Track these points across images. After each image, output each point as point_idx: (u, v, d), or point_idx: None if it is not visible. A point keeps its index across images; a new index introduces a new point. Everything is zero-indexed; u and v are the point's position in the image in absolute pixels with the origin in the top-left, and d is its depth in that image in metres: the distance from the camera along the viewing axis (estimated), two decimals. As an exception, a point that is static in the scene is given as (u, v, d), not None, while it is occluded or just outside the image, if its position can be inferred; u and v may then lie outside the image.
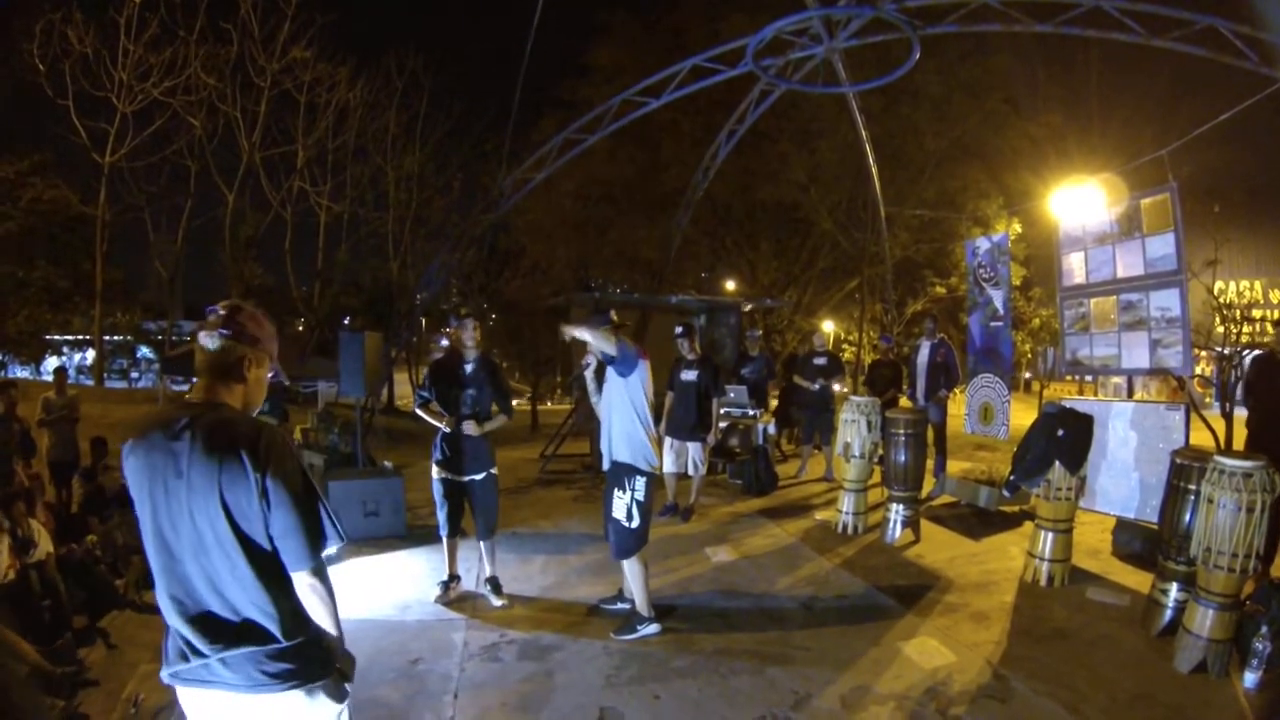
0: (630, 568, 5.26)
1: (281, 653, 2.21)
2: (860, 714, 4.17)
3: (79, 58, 26.30)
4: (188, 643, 2.21)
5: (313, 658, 2.27)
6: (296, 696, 2.24)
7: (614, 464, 5.23)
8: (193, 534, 2.16)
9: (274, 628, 2.20)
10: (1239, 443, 6.48)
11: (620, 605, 5.66)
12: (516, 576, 6.38)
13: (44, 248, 28.22)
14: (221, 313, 2.38)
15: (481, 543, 5.89)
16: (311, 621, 2.28)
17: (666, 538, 7.67)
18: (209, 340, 2.32)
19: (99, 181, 27.80)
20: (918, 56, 9.60)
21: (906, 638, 5.17)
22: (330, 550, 2.25)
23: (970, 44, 19.92)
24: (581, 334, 5.13)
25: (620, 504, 5.15)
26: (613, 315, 5.22)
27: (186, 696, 2.28)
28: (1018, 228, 20.43)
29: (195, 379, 2.38)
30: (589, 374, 5.48)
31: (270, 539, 2.18)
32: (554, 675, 4.64)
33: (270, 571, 2.20)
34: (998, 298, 10.01)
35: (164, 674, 2.28)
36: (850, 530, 7.70)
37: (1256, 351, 7.09)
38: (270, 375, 2.49)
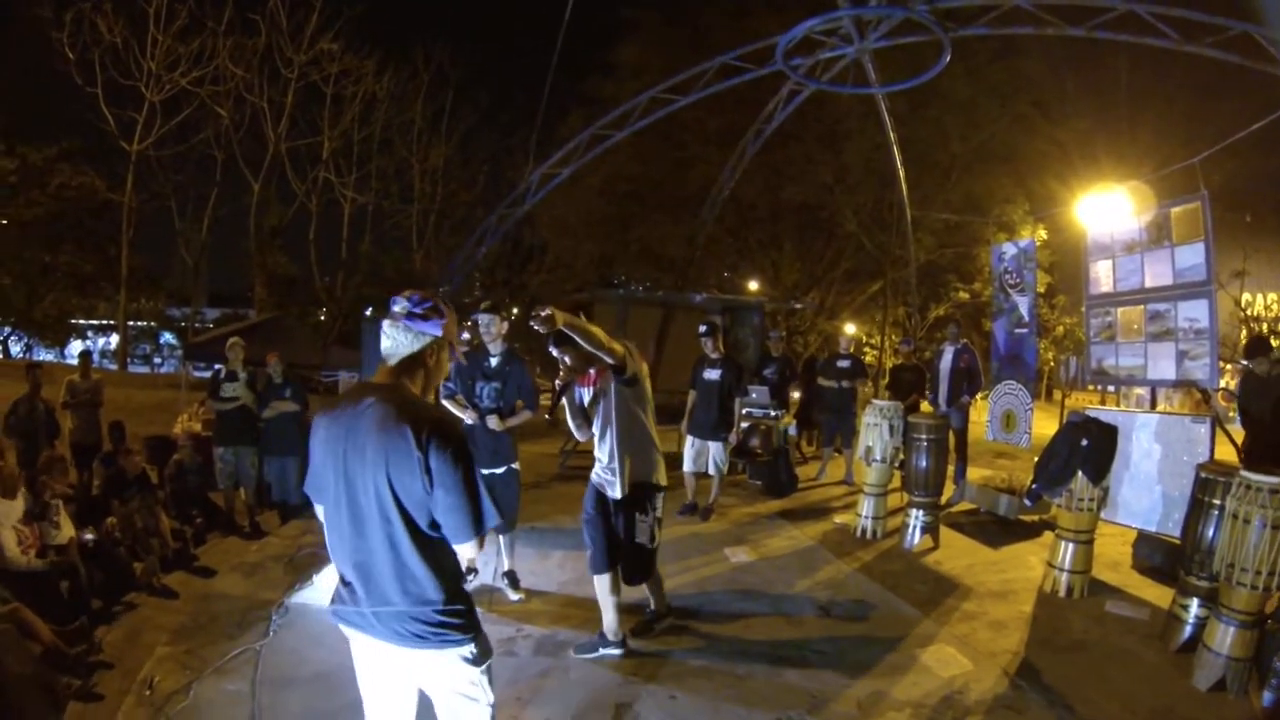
0: (650, 584, 5.10)
1: (429, 614, 2.46)
2: (876, 720, 4.16)
3: (108, 47, 26.55)
4: (349, 588, 2.55)
5: (456, 622, 2.51)
6: (438, 655, 2.52)
7: (635, 485, 4.72)
8: (365, 500, 2.44)
9: (422, 592, 2.46)
10: (1263, 458, 6.42)
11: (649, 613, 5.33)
12: (534, 571, 6.39)
13: (71, 233, 28.50)
14: (418, 310, 2.58)
15: (500, 536, 5.90)
16: (461, 590, 2.57)
17: (685, 537, 7.67)
18: (406, 337, 2.58)
19: (126, 169, 28.10)
20: (948, 58, 9.54)
21: (924, 644, 5.15)
22: (490, 527, 2.50)
23: (999, 47, 19.76)
24: (581, 339, 4.30)
25: (644, 527, 4.74)
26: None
27: (345, 630, 2.61)
28: (1043, 234, 20.30)
29: (380, 362, 2.65)
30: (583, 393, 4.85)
31: (431, 514, 2.43)
32: (570, 671, 4.65)
33: (426, 542, 2.45)
34: (1023, 304, 9.94)
35: (329, 609, 2.64)
36: (869, 535, 7.68)
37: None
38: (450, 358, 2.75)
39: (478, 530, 2.44)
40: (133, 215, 28.54)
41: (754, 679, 4.59)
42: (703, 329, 8.36)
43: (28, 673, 4.16)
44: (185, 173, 30.82)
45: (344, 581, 2.58)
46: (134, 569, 6.13)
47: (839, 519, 8.48)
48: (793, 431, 10.87)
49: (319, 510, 2.64)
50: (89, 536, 6.08)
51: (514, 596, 5.80)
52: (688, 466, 8.44)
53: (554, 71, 11.13)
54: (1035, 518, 8.07)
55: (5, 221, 27.02)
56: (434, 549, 2.47)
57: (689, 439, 8.40)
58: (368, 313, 25.01)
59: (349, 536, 2.50)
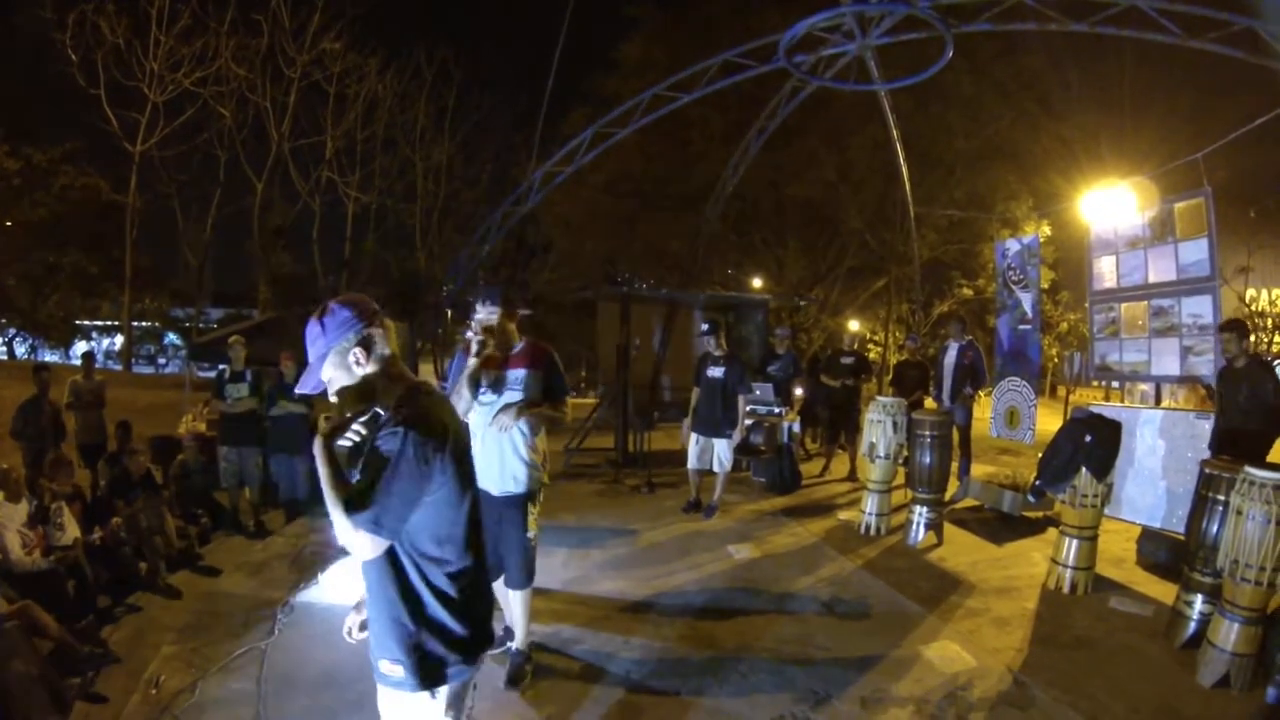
0: (528, 596, 4.66)
1: None
2: (879, 716, 4.16)
3: (111, 48, 26.61)
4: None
5: None
6: None
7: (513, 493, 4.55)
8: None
9: None
10: (1274, 454, 6.38)
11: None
12: (537, 569, 6.38)
13: (75, 234, 28.61)
14: None
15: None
16: None
17: (690, 534, 7.69)
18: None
19: (130, 170, 28.16)
20: (950, 55, 9.53)
21: (927, 641, 5.15)
22: None
23: (1002, 44, 19.76)
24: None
25: (533, 518, 4.63)
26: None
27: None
28: (1047, 230, 20.28)
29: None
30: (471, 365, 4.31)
31: None
32: (573, 668, 4.66)
33: None
34: (1027, 300, 9.92)
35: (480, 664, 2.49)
36: (873, 531, 7.68)
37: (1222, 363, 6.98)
38: None
39: None
40: (136, 216, 28.61)
41: (757, 675, 4.60)
42: (706, 326, 8.36)
43: (34, 673, 4.18)
44: (188, 173, 30.88)
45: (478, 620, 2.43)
46: (139, 568, 6.16)
47: (843, 516, 8.48)
48: (797, 428, 10.86)
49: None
50: (95, 536, 6.12)
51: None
52: (692, 464, 8.45)
53: (557, 69, 11.13)
54: (1039, 514, 8.07)
55: (10, 223, 27.13)
56: None
57: (693, 436, 8.40)
58: (371, 311, 25.10)
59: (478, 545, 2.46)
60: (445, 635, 2.30)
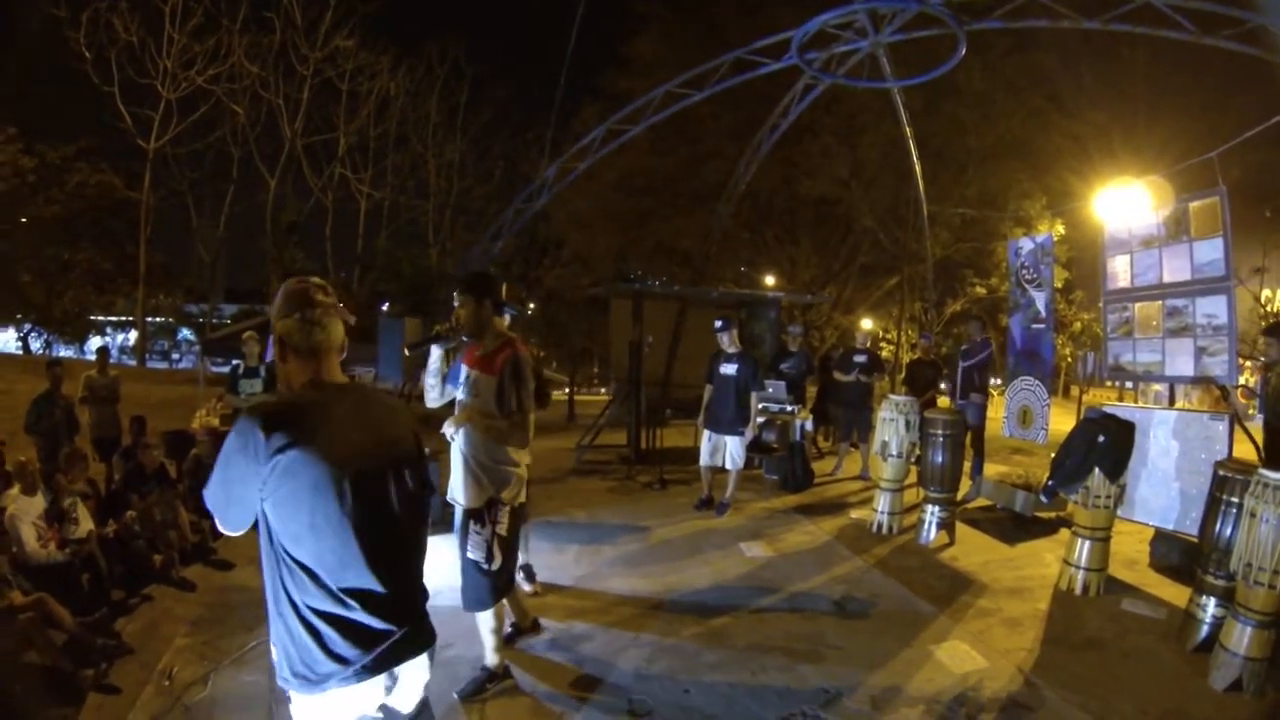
0: (486, 618, 4.25)
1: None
2: (890, 716, 4.15)
3: (125, 46, 26.80)
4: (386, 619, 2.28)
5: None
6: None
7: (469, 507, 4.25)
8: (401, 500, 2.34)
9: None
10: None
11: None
12: (550, 565, 6.41)
13: (89, 231, 28.81)
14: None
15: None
16: None
17: (701, 531, 7.70)
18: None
19: (143, 167, 28.36)
20: (964, 52, 9.50)
21: (938, 641, 5.14)
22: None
23: (1014, 41, 19.65)
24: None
25: (479, 537, 4.10)
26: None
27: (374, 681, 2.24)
28: (1060, 229, 20.18)
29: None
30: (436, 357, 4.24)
31: None
32: (584, 665, 4.67)
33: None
34: (1040, 300, 9.87)
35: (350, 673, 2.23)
36: (885, 530, 7.67)
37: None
38: None
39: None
40: (150, 212, 28.80)
41: (768, 673, 4.60)
42: (719, 324, 8.36)
43: (48, 664, 4.22)
44: (202, 170, 31.16)
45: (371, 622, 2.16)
46: (153, 561, 6.20)
47: (855, 514, 8.48)
48: (809, 426, 10.86)
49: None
50: (109, 529, 6.18)
51: (528, 588, 5.81)
52: (704, 461, 8.46)
53: (568, 67, 11.14)
54: (1052, 515, 8.04)
55: (25, 220, 27.33)
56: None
57: (705, 433, 8.41)
58: (384, 308, 25.17)
59: (387, 548, 2.20)
60: (293, 645, 2.13)
